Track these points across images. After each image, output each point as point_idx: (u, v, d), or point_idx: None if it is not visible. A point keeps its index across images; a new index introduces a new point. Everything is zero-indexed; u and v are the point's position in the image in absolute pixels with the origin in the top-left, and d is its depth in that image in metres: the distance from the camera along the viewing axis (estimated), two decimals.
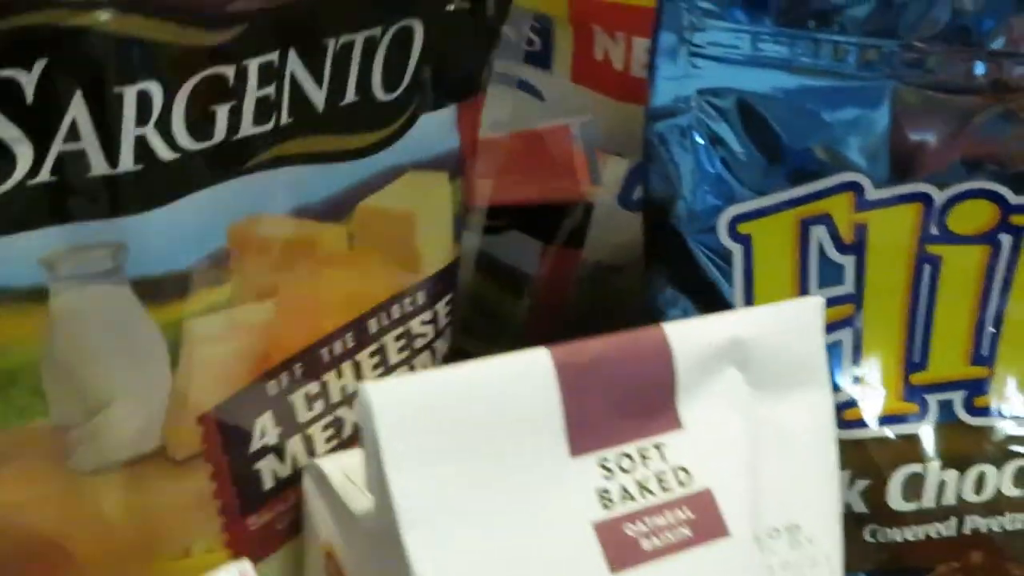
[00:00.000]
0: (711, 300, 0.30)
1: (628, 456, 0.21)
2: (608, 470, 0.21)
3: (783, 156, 0.29)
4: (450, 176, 0.29)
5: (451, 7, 0.26)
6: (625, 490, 0.21)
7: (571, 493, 0.20)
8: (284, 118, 0.23)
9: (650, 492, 0.21)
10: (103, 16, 0.19)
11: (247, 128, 0.23)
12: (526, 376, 0.20)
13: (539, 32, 0.38)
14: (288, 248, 0.25)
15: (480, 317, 0.36)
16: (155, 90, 0.20)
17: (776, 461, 0.23)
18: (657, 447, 0.22)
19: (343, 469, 0.24)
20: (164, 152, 0.21)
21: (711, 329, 0.23)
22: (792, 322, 0.24)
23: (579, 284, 0.38)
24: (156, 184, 0.21)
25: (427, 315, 0.29)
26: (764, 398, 0.23)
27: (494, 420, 0.20)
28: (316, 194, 0.25)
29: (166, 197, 0.22)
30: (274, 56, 0.23)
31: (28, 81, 0.19)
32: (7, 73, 0.19)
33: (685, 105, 0.28)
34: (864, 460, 0.30)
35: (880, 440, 0.30)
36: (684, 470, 0.22)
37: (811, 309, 0.25)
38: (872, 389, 0.30)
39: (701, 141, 0.28)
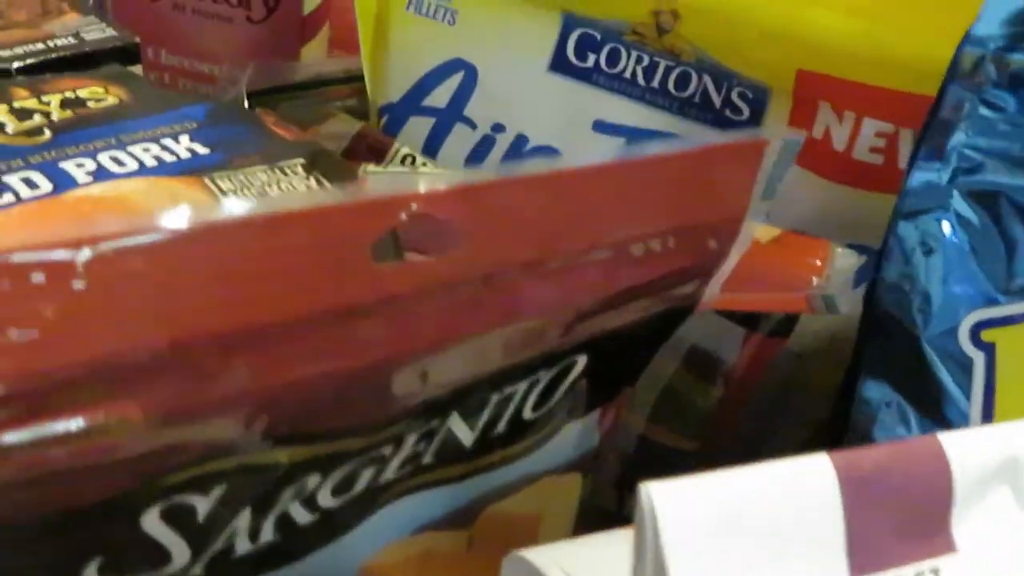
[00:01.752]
0: (939, 408, 0.28)
1: None
2: None
3: None
4: (583, 475, 0.28)
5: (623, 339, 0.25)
6: None
7: None
8: (427, 459, 0.23)
9: None
10: (282, 456, 0.20)
11: (388, 476, 0.23)
12: (809, 486, 0.19)
13: (749, 101, 0.37)
14: (406, 563, 0.25)
15: (667, 404, 0.35)
16: (313, 480, 0.21)
17: None
18: (934, 572, 0.20)
19: (559, 563, 0.23)
20: (303, 517, 0.21)
21: (989, 442, 0.21)
22: None
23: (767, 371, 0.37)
24: (292, 544, 0.22)
25: None
26: None
27: (775, 531, 0.18)
28: (443, 509, 0.25)
29: (299, 554, 0.22)
30: (433, 423, 0.23)
31: (203, 503, 0.19)
32: (186, 499, 0.19)
33: (942, 199, 0.27)
34: None
35: None
36: None
37: None
38: None
39: (955, 239, 0.27)
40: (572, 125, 0.40)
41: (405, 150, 0.41)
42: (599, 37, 0.39)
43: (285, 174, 0.32)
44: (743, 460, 0.19)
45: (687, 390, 0.35)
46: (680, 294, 0.26)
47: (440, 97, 0.43)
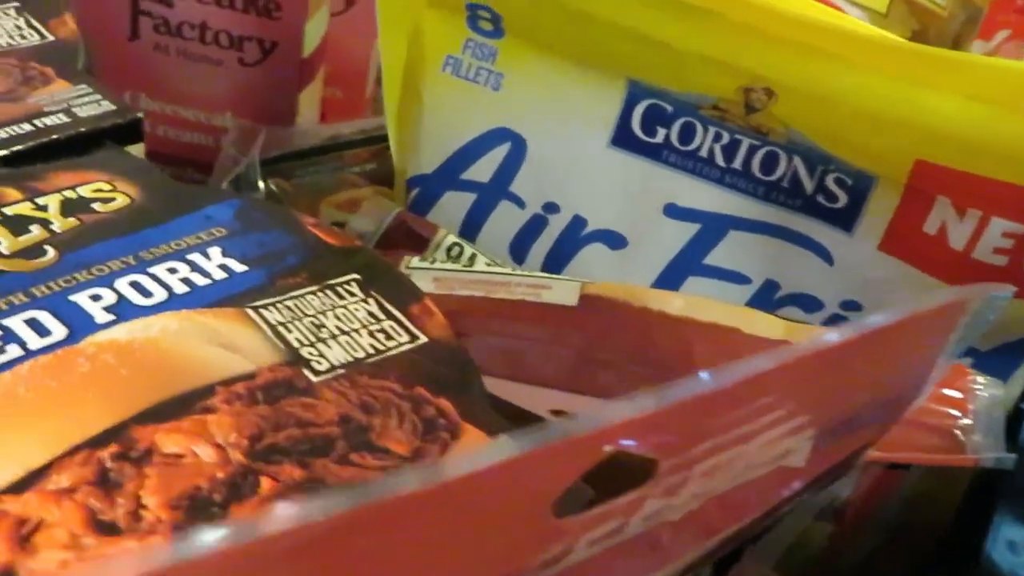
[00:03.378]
0: None
1: None
2: None
3: None
4: None
5: None
6: None
7: None
8: None
9: None
10: None
11: None
12: None
13: (848, 188, 0.33)
14: None
15: (774, 541, 0.31)
16: None
17: None
18: None
19: None
20: None
21: None
22: None
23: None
24: None
25: None
26: None
27: None
28: None
29: None
30: None
31: None
32: None
33: None
34: None
35: None
36: None
37: None
38: None
39: None
40: (639, 207, 0.36)
41: (451, 239, 0.36)
42: (670, 110, 0.34)
43: (340, 297, 0.27)
44: None
45: (796, 528, 0.31)
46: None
47: (482, 170, 0.38)
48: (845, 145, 0.32)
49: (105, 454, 0.21)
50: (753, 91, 0.33)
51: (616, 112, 0.35)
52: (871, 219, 0.33)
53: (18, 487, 0.20)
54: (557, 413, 0.30)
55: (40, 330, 0.24)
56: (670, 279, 0.36)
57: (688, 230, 0.35)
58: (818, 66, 0.31)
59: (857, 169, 0.33)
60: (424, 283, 0.32)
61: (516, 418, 0.26)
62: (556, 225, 0.37)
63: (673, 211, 0.35)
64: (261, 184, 0.38)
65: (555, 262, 0.37)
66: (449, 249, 0.35)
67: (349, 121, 0.44)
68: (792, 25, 0.31)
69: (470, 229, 0.38)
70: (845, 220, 0.34)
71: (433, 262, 0.34)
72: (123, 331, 0.24)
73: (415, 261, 0.34)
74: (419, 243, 0.36)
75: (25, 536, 0.20)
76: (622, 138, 0.36)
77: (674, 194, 0.35)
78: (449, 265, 0.33)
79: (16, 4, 0.39)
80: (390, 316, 0.27)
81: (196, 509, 0.21)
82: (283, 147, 0.40)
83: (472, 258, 0.36)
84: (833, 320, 0.35)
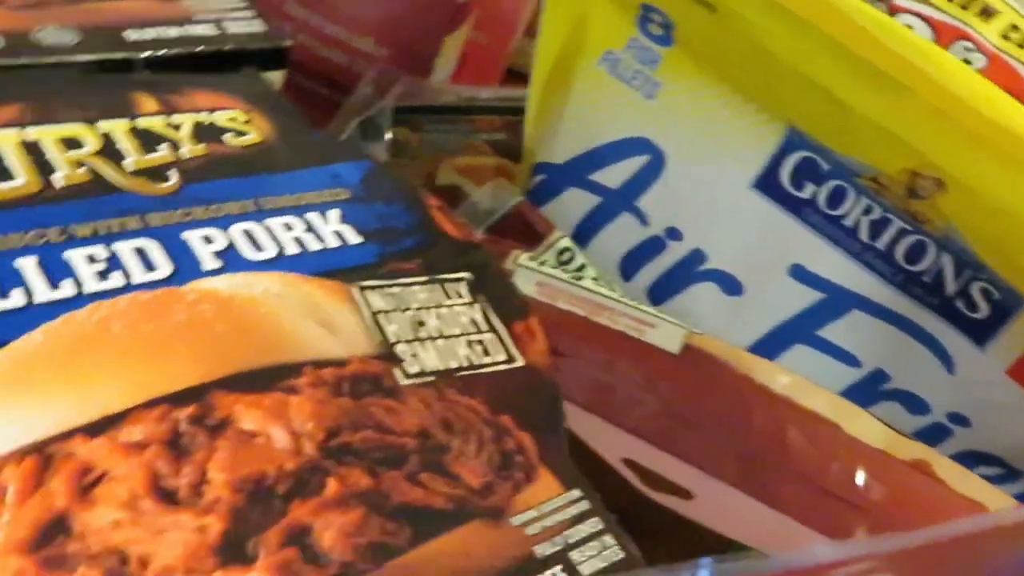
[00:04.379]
0: None
1: None
2: None
3: None
4: None
5: None
6: None
7: None
8: None
9: None
10: None
11: None
12: None
13: (994, 303, 0.31)
14: None
15: None
16: None
17: None
18: None
19: None
20: None
21: None
22: None
23: None
24: None
25: None
26: None
27: None
28: None
29: None
30: None
31: None
32: None
33: None
34: None
35: None
36: None
37: None
38: None
39: None
40: (765, 259, 0.34)
41: (565, 242, 0.34)
42: (825, 168, 0.32)
43: (448, 296, 0.26)
44: None
45: None
46: None
47: (613, 176, 0.36)
48: (1004, 258, 0.30)
49: (182, 415, 0.21)
50: (922, 176, 0.30)
51: (768, 155, 0.34)
52: (1009, 339, 0.31)
53: (92, 430, 0.20)
54: (628, 463, 0.28)
55: (147, 262, 0.23)
56: (777, 341, 0.34)
57: (809, 296, 0.34)
58: (999, 170, 0.29)
59: (1009, 285, 0.30)
60: (527, 285, 0.31)
61: (588, 463, 0.25)
62: (674, 252, 0.36)
63: (799, 273, 0.34)
64: (388, 134, 0.37)
65: (663, 290, 0.36)
66: (560, 253, 0.34)
67: (489, 86, 0.42)
68: (984, 124, 0.28)
69: (585, 232, 0.37)
70: (980, 333, 0.32)
71: (542, 263, 0.33)
72: (225, 283, 0.24)
73: (524, 258, 0.32)
74: (532, 238, 0.34)
75: (87, 486, 0.19)
76: (766, 183, 0.34)
77: (805, 256, 0.33)
78: (557, 272, 0.32)
79: None
80: (493, 329, 0.26)
81: (258, 496, 0.20)
82: (417, 99, 0.39)
83: (581, 268, 0.34)
84: (935, 428, 0.33)
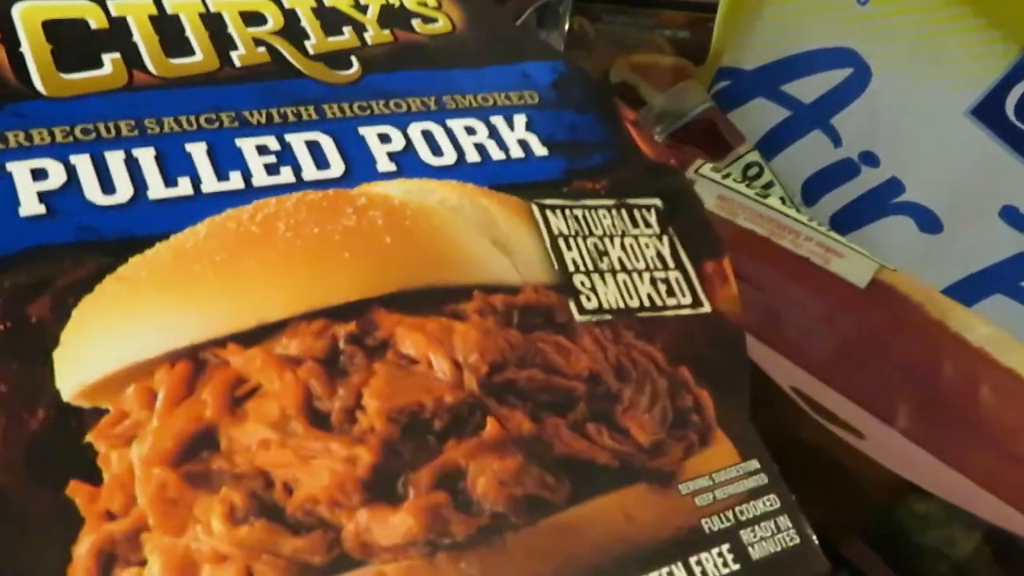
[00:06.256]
0: None
1: None
2: None
3: None
4: None
5: None
6: None
7: None
8: None
9: None
10: None
11: None
12: None
13: None
14: None
15: None
16: None
17: None
18: None
19: None
20: None
21: None
22: None
23: None
24: None
25: None
26: None
27: None
28: None
29: None
30: None
31: None
32: None
33: None
34: None
35: None
36: None
37: None
38: None
39: None
40: (973, 196, 0.30)
41: (754, 156, 0.31)
42: None
43: (635, 224, 0.23)
44: None
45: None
46: None
47: (808, 89, 0.32)
48: None
49: (342, 331, 0.19)
50: None
51: (994, 79, 0.29)
52: None
53: (247, 338, 0.19)
54: (796, 391, 0.26)
55: (319, 159, 0.21)
56: (974, 288, 0.30)
57: (1019, 243, 0.29)
58: None
59: None
60: (708, 197, 0.28)
61: (757, 386, 0.23)
62: (868, 180, 0.32)
63: (1011, 216, 0.29)
64: (567, 23, 0.34)
65: (850, 219, 0.32)
66: (747, 168, 0.31)
67: None
68: None
69: (768, 149, 0.33)
70: None
71: (726, 176, 0.30)
72: (399, 189, 0.22)
73: (707, 169, 0.29)
74: (719, 148, 0.31)
75: (239, 399, 0.18)
76: (987, 111, 0.29)
77: (1022, 197, 0.29)
78: (742, 187, 0.29)
79: None
80: (680, 267, 0.23)
81: (412, 430, 0.19)
82: None
83: (768, 186, 0.31)
84: None
